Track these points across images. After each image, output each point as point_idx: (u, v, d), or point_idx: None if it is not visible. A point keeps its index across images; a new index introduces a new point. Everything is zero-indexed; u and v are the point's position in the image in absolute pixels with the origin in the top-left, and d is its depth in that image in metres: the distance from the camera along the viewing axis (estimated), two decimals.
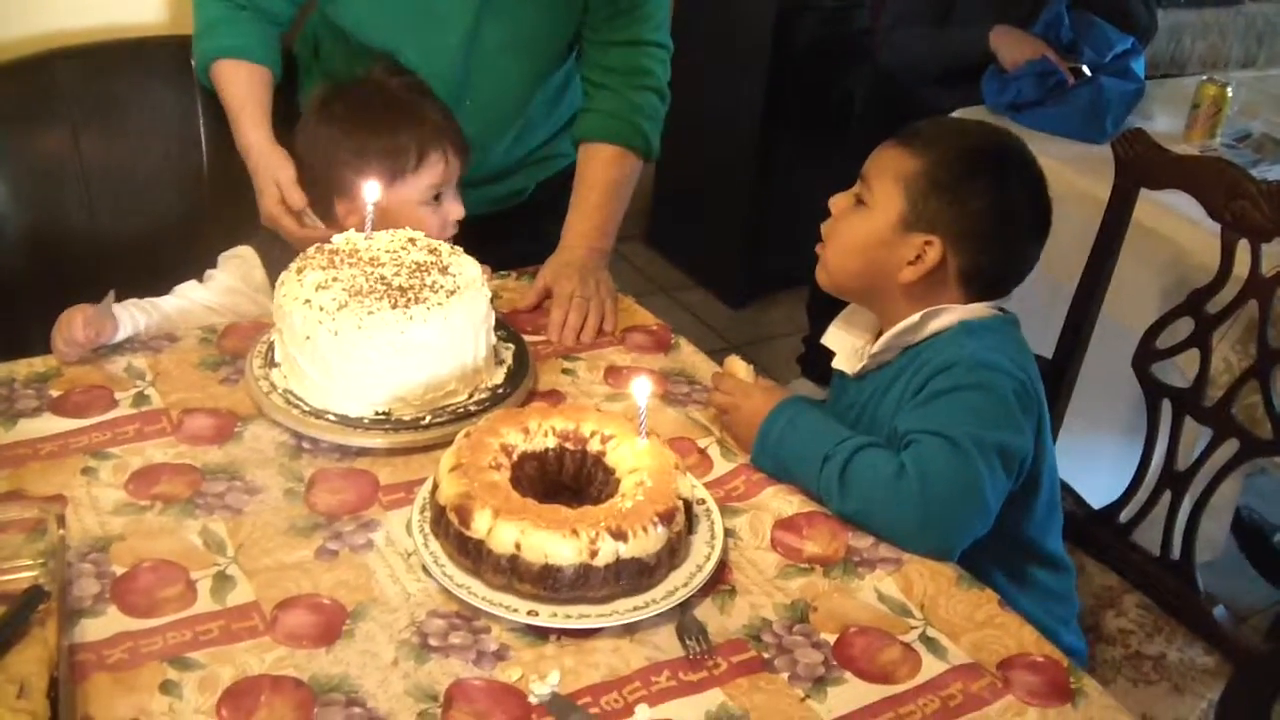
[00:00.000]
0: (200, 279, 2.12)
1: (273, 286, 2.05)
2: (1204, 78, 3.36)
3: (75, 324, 1.86)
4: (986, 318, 1.79)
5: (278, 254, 2.07)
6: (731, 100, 4.14)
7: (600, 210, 2.25)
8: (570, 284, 2.10)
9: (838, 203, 1.85)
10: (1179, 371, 2.30)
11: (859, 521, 1.66)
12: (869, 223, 1.79)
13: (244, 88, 2.21)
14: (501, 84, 2.28)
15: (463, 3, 2.17)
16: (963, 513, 1.64)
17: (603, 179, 2.27)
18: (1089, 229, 2.24)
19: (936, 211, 1.75)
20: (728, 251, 4.49)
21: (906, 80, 3.56)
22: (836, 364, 1.92)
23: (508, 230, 2.36)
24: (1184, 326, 2.09)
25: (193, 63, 2.30)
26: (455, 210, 2.13)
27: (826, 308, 3.79)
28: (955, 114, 3.32)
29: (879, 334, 1.86)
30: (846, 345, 1.93)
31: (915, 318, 1.76)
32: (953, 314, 1.77)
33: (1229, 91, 3.27)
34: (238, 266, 2.13)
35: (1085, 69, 3.29)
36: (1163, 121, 3.42)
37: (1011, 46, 3.32)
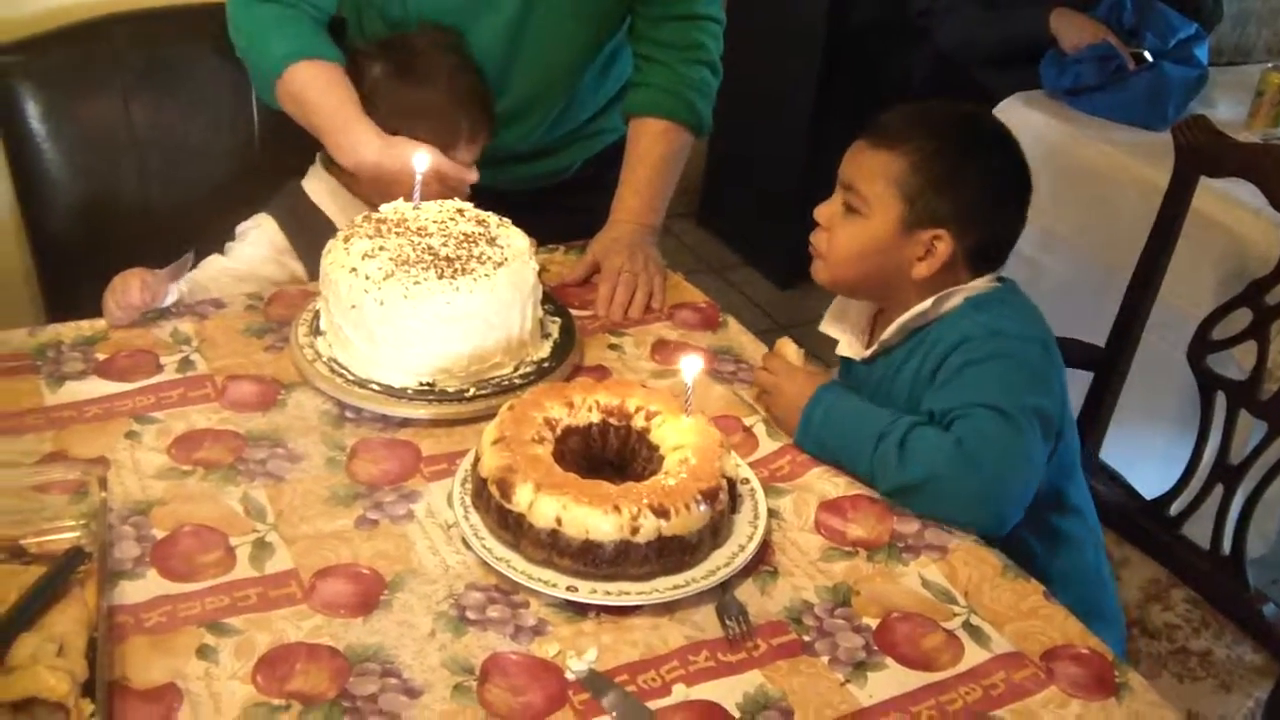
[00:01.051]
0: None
1: (295, 251, 2.05)
2: (1269, 65, 3.30)
3: (132, 287, 1.86)
4: (990, 290, 1.78)
5: (297, 223, 2.09)
6: (785, 79, 4.10)
7: (650, 185, 2.23)
8: (619, 259, 2.09)
9: (826, 214, 1.82)
10: (1235, 363, 2.26)
11: (915, 497, 1.64)
12: (868, 230, 1.76)
13: (340, 89, 2.08)
14: (550, 57, 2.25)
15: None
16: (1019, 481, 1.63)
17: (653, 154, 2.24)
18: (1145, 216, 2.21)
19: (937, 204, 1.73)
20: (778, 232, 4.44)
21: (963, 61, 3.53)
22: (841, 351, 1.91)
23: (555, 204, 2.34)
24: (1241, 318, 2.05)
25: (249, 69, 2.18)
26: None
27: None
28: (1013, 98, 3.30)
29: (873, 318, 1.89)
30: (844, 333, 1.93)
31: (928, 303, 1.75)
32: (960, 294, 1.77)
33: None
34: (259, 234, 2.13)
35: (1147, 54, 3.24)
36: (1225, 109, 3.36)
37: (1072, 29, 3.28)
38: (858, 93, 4.09)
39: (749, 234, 4.46)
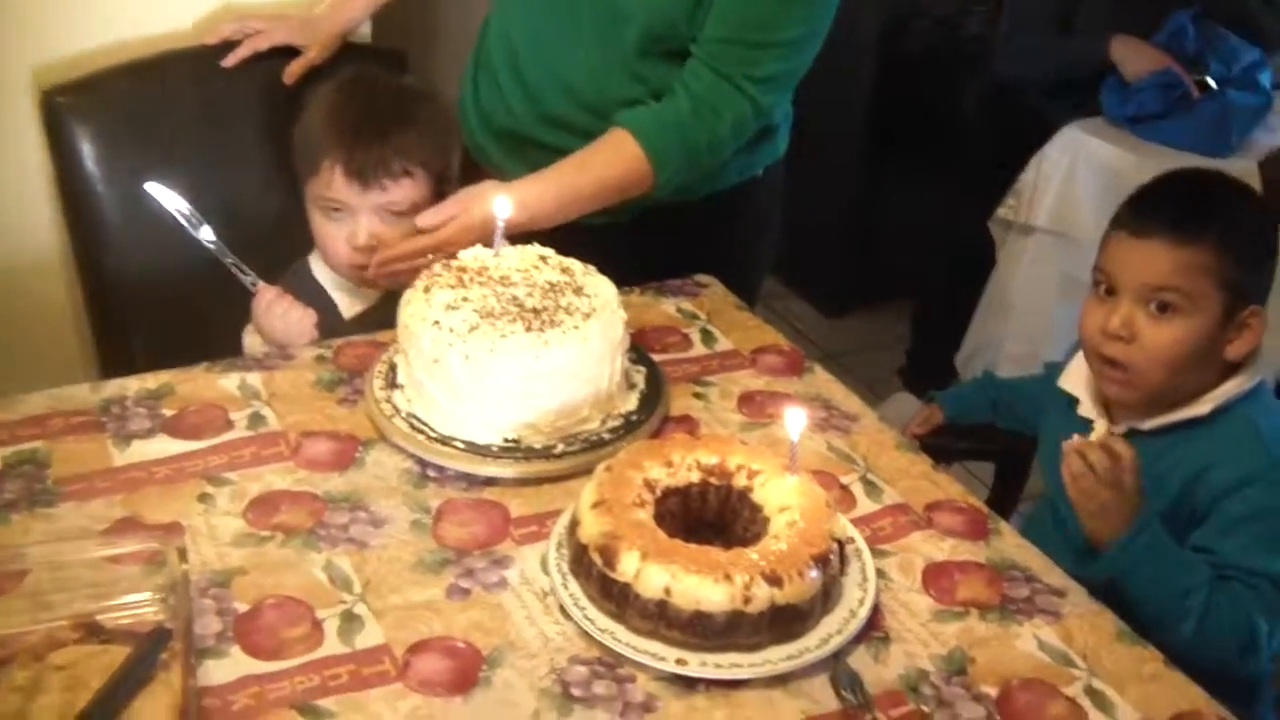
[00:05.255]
0: None
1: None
2: None
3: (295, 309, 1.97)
4: (1254, 387, 1.74)
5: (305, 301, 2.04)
6: (836, 107, 4.01)
7: (575, 200, 2.05)
8: (477, 212, 1.93)
9: (1131, 325, 1.70)
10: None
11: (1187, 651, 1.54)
12: (1193, 328, 1.68)
13: None
14: (586, 62, 2.13)
15: None
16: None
17: (603, 176, 2.06)
18: None
19: (1250, 284, 1.69)
20: (826, 260, 4.40)
21: (1022, 89, 3.46)
22: (1084, 413, 1.81)
23: (614, 246, 2.23)
24: None
25: None
26: (360, 232, 2.01)
27: (935, 323, 3.75)
28: (1073, 125, 3.23)
29: None
30: (1083, 391, 1.84)
31: (1204, 409, 1.71)
32: (1228, 392, 1.72)
33: None
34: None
35: (1211, 81, 3.17)
36: None
37: (1135, 57, 3.21)
38: (910, 120, 4.04)
39: (796, 262, 4.38)
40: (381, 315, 2.00)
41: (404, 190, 2.00)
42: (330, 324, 2.03)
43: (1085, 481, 1.60)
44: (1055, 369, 1.95)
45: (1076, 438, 1.62)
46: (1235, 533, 1.63)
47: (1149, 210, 1.72)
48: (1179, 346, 1.68)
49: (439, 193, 2.03)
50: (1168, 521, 1.63)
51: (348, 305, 2.07)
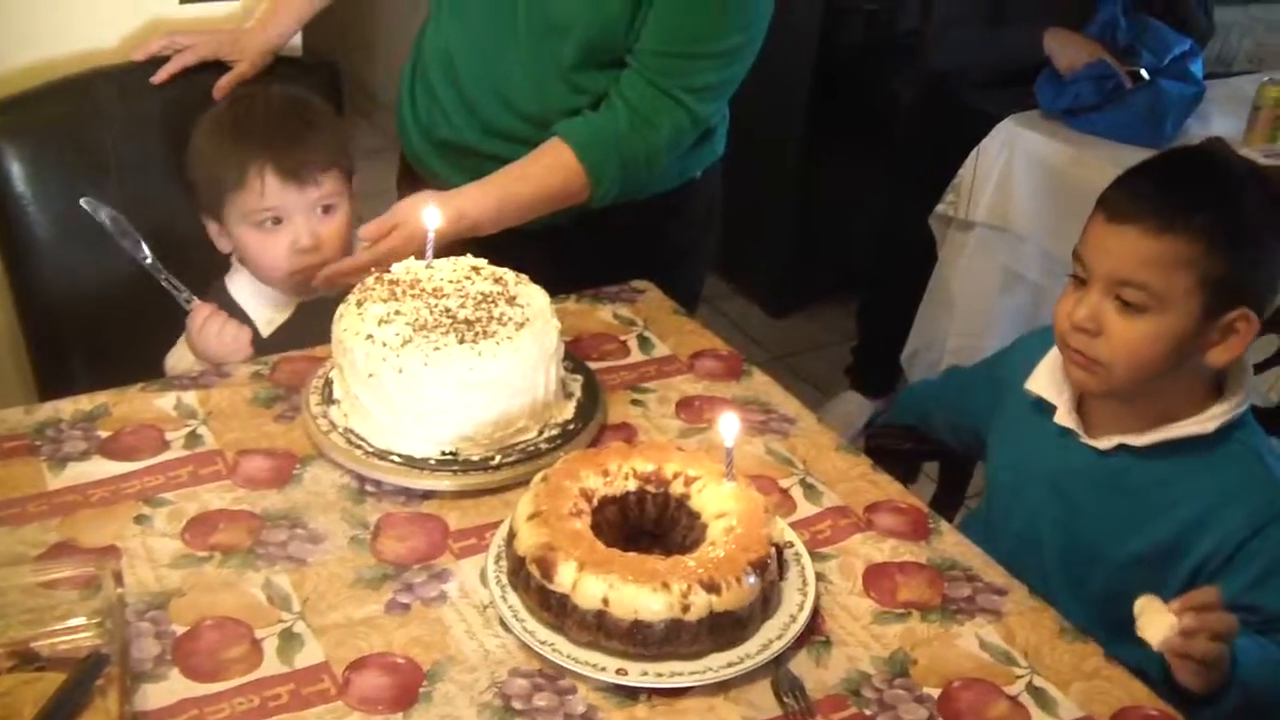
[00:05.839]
0: None
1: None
2: (1265, 79, 3.25)
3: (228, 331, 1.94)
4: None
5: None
6: (775, 102, 4.01)
7: (516, 207, 2.05)
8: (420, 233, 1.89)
9: (1089, 315, 1.58)
10: (1258, 393, 2.21)
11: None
12: (1163, 327, 1.54)
13: None
14: (524, 75, 2.12)
15: None
16: None
17: (543, 185, 2.06)
18: None
19: (1240, 284, 1.53)
20: (769, 259, 4.39)
21: (956, 82, 3.47)
22: (1061, 420, 1.70)
23: (555, 248, 2.24)
24: (1267, 344, 1.99)
25: None
26: (302, 234, 2.01)
27: (880, 318, 3.76)
28: (1009, 119, 3.24)
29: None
30: (1059, 396, 1.72)
31: (1208, 428, 1.58)
32: (1237, 407, 1.60)
33: None
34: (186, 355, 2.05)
35: (1144, 72, 3.19)
36: (1220, 124, 3.32)
37: (1068, 49, 3.23)
38: (847, 115, 4.05)
39: (739, 262, 4.39)
40: (295, 332, 2.02)
41: (333, 183, 2.02)
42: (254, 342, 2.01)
43: (1198, 644, 1.38)
44: (1004, 359, 1.91)
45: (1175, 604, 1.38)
46: (1270, 583, 1.54)
47: (1129, 193, 1.59)
48: (1148, 344, 1.56)
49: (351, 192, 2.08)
50: (1152, 554, 1.56)
51: (266, 323, 2.05)
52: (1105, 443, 1.66)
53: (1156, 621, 1.36)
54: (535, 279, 1.80)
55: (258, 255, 2.03)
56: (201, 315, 1.97)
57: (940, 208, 3.42)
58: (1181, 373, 1.59)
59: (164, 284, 2.00)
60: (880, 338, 3.76)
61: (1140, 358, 1.56)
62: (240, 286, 2.09)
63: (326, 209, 2.02)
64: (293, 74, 2.35)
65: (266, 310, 2.08)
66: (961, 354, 3.29)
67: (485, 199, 2.02)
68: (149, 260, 2.01)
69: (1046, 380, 1.73)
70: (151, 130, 2.25)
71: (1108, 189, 1.62)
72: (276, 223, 1.99)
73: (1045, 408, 1.72)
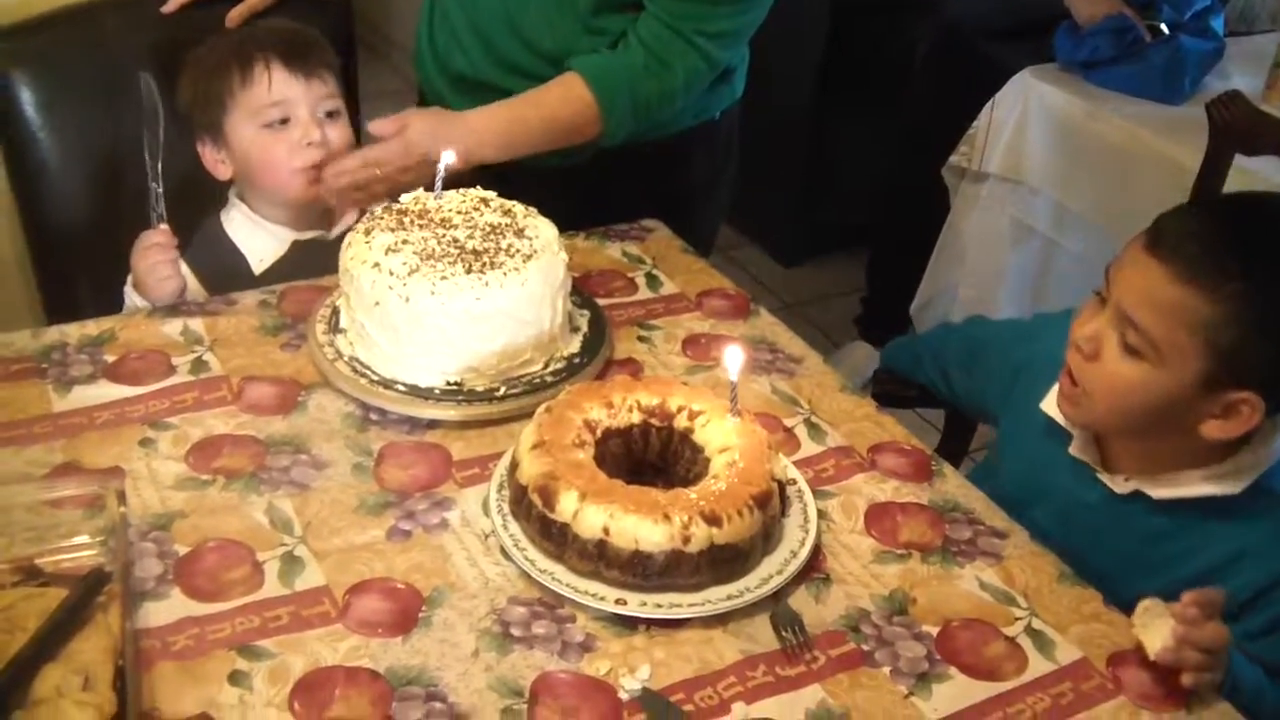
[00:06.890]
0: None
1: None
2: None
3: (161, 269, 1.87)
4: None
5: (214, 263, 2.03)
6: (789, 53, 3.99)
7: (525, 133, 2.05)
8: (421, 144, 1.93)
9: (1089, 335, 1.50)
10: None
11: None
12: (1154, 381, 1.44)
13: None
14: (541, 14, 2.12)
15: None
16: None
17: (554, 114, 2.06)
18: (1164, 192, 2.13)
19: (1253, 366, 1.41)
20: (782, 208, 4.38)
21: (973, 33, 3.44)
22: (1075, 452, 1.62)
23: (571, 187, 2.24)
24: None
25: None
26: (311, 129, 2.00)
27: (891, 271, 3.75)
28: (1026, 71, 3.21)
29: None
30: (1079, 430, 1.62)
31: (1234, 489, 1.49)
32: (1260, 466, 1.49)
33: None
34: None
35: (1163, 26, 3.16)
36: (1239, 81, 3.27)
37: (1087, 1, 3.20)
38: (862, 66, 4.03)
39: (752, 211, 4.38)
40: (287, 268, 2.01)
41: (333, 84, 2.04)
42: (240, 282, 1.97)
43: (1189, 656, 1.34)
44: (1044, 321, 1.84)
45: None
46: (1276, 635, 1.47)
47: (1177, 226, 1.45)
48: (1135, 392, 1.47)
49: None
50: (1161, 595, 1.41)
51: (258, 260, 2.03)
52: (1121, 486, 1.57)
53: (1156, 626, 1.36)
54: (549, 217, 1.80)
55: (264, 156, 2.00)
56: (151, 239, 1.90)
57: (953, 159, 3.40)
58: (1176, 436, 1.50)
59: (152, 195, 1.93)
60: (890, 289, 3.74)
61: (1123, 401, 1.49)
62: (236, 222, 2.08)
63: (330, 114, 2.03)
64: (304, 9, 2.33)
65: (261, 246, 2.05)
66: (971, 306, 3.28)
67: (494, 119, 2.02)
68: (155, 172, 1.94)
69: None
70: (162, 61, 2.23)
71: (1163, 214, 1.49)
72: (284, 123, 1.98)
73: (1060, 432, 1.64)
